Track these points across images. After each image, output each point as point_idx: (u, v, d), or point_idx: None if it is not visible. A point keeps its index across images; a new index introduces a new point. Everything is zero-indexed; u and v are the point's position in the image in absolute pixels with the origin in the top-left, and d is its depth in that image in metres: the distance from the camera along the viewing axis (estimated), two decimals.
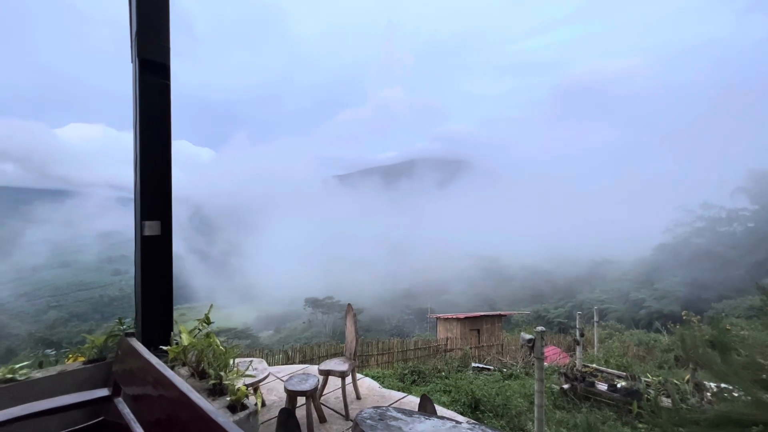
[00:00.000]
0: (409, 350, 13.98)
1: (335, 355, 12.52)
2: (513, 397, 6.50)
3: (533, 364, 10.07)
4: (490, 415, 5.80)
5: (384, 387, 4.69)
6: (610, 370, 7.27)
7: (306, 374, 3.61)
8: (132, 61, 2.18)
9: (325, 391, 4.12)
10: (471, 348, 14.26)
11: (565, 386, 6.71)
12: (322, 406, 3.73)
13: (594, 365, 7.63)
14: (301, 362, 12.18)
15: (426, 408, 2.90)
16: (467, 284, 62.91)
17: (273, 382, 4.62)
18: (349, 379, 3.97)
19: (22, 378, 1.91)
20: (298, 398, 3.49)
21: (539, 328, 4.25)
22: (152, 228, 2.12)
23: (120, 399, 1.57)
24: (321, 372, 3.81)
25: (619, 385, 6.19)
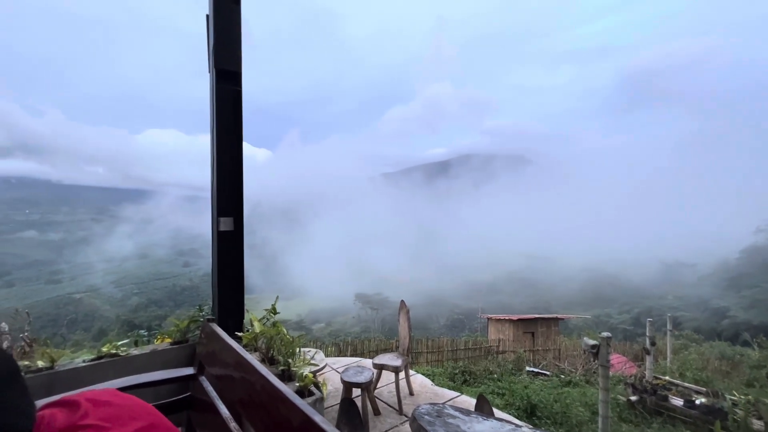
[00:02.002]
0: (460, 350, 13.77)
1: (385, 350, 12.70)
2: (573, 405, 6.15)
3: (595, 372, 9.42)
4: (548, 422, 5.54)
5: (436, 385, 4.68)
6: (686, 384, 6.59)
7: (361, 367, 3.71)
8: (209, 71, 2.40)
9: (378, 385, 4.20)
10: (525, 351, 13.69)
11: (633, 398, 6.20)
12: (376, 399, 3.82)
13: (667, 378, 6.96)
14: (352, 355, 12.52)
15: (483, 409, 2.85)
16: (520, 284, 60.35)
17: (329, 372, 4.81)
18: (402, 375, 4.02)
19: (124, 354, 2.21)
20: (353, 390, 3.61)
21: (605, 334, 3.98)
22: (226, 224, 2.32)
23: (204, 377, 1.74)
24: (375, 366, 3.89)
25: (698, 402, 5.59)
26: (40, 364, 2.05)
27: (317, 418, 0.98)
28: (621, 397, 6.39)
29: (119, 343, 2.25)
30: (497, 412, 3.97)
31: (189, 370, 1.84)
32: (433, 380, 6.50)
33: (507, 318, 17.99)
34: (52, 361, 2.08)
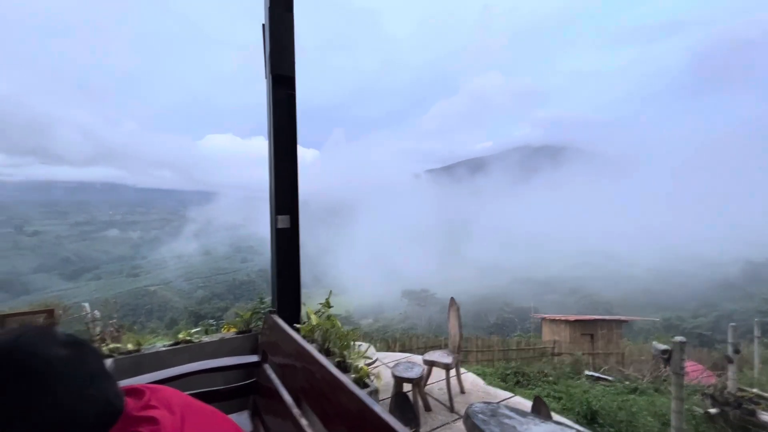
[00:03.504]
0: (511, 350, 13.31)
1: (433, 347, 12.63)
2: (640, 414, 5.69)
3: (665, 380, 8.63)
4: (612, 430, 5.18)
5: (488, 384, 4.58)
6: None
7: (411, 363, 3.73)
8: (265, 77, 2.55)
9: (428, 381, 4.20)
10: (583, 354, 12.89)
11: (713, 411, 5.59)
12: (427, 396, 3.82)
13: (755, 390, 6.19)
14: (400, 351, 12.62)
15: (540, 411, 2.75)
16: (577, 284, 56.78)
17: (379, 366, 4.89)
18: (453, 372, 3.98)
19: (196, 341, 2.43)
20: (404, 385, 3.65)
21: (678, 338, 3.63)
22: (284, 221, 2.46)
23: (267, 365, 1.87)
24: (425, 362, 3.90)
25: None
26: (129, 347, 2.33)
27: (376, 407, 1.01)
28: (697, 409, 5.80)
29: (192, 331, 2.49)
30: (556, 417, 3.80)
31: (254, 358, 1.98)
32: (484, 380, 6.36)
33: (563, 318, 17.04)
34: (138, 344, 2.35)
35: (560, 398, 6.68)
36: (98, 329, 2.92)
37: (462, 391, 4.11)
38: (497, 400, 3.98)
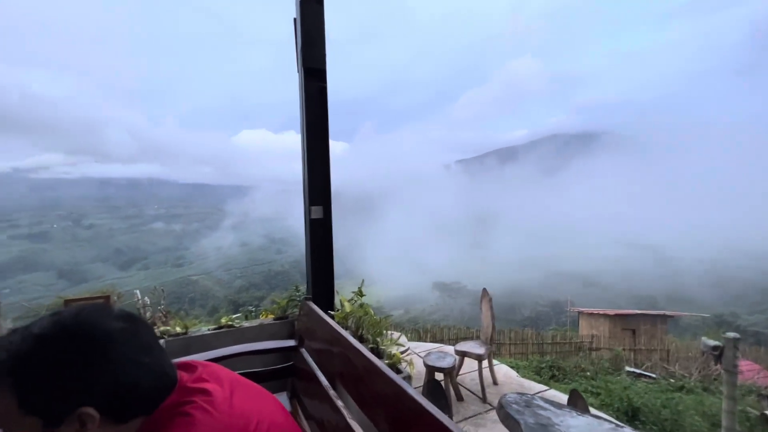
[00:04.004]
0: (546, 343, 12.97)
1: (465, 338, 12.53)
2: (686, 413, 5.39)
3: (716, 379, 8.10)
4: (655, 428, 4.96)
5: (521, 377, 4.51)
6: None
7: (443, 353, 3.74)
8: (297, 71, 2.60)
9: (460, 372, 4.20)
10: (624, 350, 12.33)
11: None
12: (459, 386, 3.82)
13: None
14: (431, 342, 12.64)
15: (577, 405, 2.68)
16: (618, 276, 54.10)
17: (410, 356, 4.94)
18: (485, 363, 3.95)
19: (237, 325, 2.57)
20: (436, 374, 3.67)
21: (731, 334, 3.39)
22: (317, 212, 2.52)
23: (304, 350, 1.94)
24: (457, 352, 3.89)
25: None
26: (177, 330, 2.50)
27: (412, 391, 1.03)
28: (752, 410, 5.42)
29: (234, 316, 2.64)
30: (594, 411, 3.68)
31: (291, 342, 2.07)
32: (517, 372, 6.26)
33: (602, 312, 16.36)
34: (186, 328, 2.52)
35: (598, 394, 6.46)
36: (149, 314, 3.16)
37: (495, 383, 4.07)
38: (531, 393, 3.92)
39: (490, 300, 4.03)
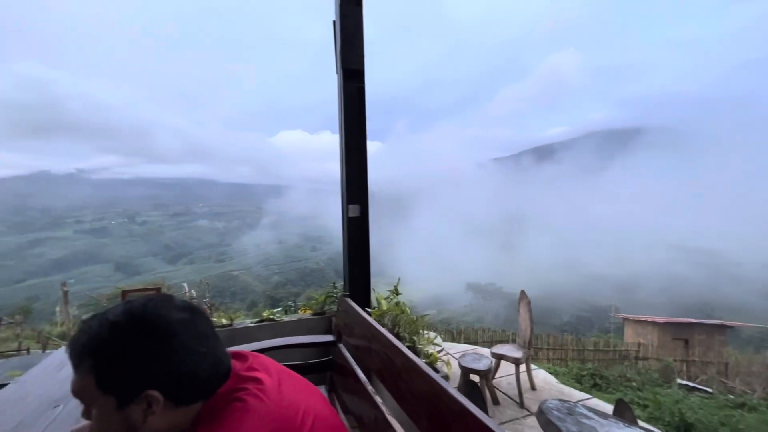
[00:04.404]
0: (587, 350, 12.37)
1: (500, 341, 12.23)
2: None
3: None
4: None
5: (561, 383, 4.33)
6: None
7: (478, 354, 3.67)
8: (336, 72, 2.66)
9: (496, 375, 4.10)
10: (675, 361, 11.50)
11: None
12: (495, 389, 3.74)
13: None
14: (465, 343, 12.44)
15: (623, 415, 2.54)
16: (667, 283, 50.46)
17: (445, 357, 4.89)
18: (522, 368, 3.84)
19: (278, 320, 2.68)
20: (471, 376, 3.61)
21: None
22: (354, 210, 2.57)
23: (342, 345, 1.99)
24: (494, 355, 3.80)
25: None
26: (223, 321, 2.64)
27: (451, 390, 1.03)
28: None
29: (275, 311, 2.75)
30: (641, 424, 3.47)
31: (329, 337, 2.13)
32: (556, 378, 6.03)
33: (650, 320, 15.36)
34: (231, 320, 2.66)
35: (646, 406, 6.09)
36: None
37: (533, 388, 3.94)
38: (573, 400, 3.76)
39: (529, 303, 3.91)
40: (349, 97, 2.52)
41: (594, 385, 8.06)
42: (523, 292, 4.01)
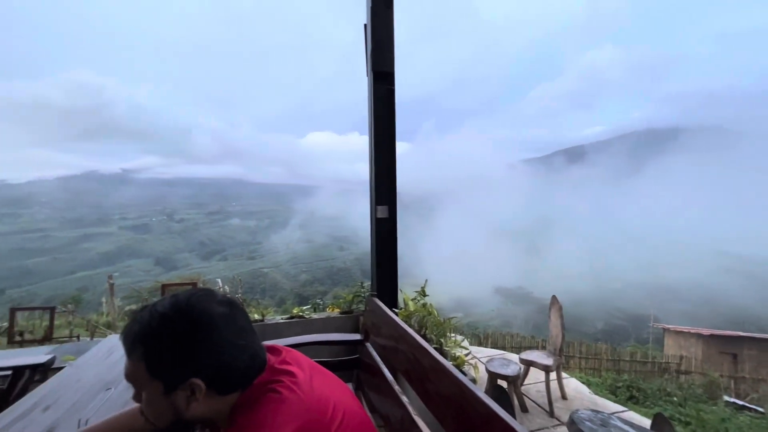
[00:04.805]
0: (623, 361, 11.79)
1: (529, 347, 11.88)
2: None
3: None
4: None
5: (594, 394, 4.16)
6: None
7: (506, 360, 3.60)
8: (366, 75, 2.70)
9: (525, 382, 4.00)
10: (722, 376, 10.73)
11: None
12: (523, 396, 3.65)
13: None
14: (491, 348, 12.18)
15: (662, 430, 2.42)
16: (713, 293, 47.15)
17: (471, 360, 4.82)
18: (553, 375, 3.72)
19: (307, 317, 2.75)
20: (498, 381, 3.54)
21: None
22: (382, 211, 2.59)
23: (369, 344, 2.01)
24: (522, 361, 3.72)
25: None
26: (255, 317, 2.74)
27: (480, 393, 1.02)
28: None
29: (304, 308, 2.82)
30: None
31: (357, 336, 2.16)
32: (589, 388, 5.79)
33: (694, 331, 14.44)
34: (263, 315, 2.75)
35: (688, 423, 5.74)
36: None
37: (563, 397, 3.82)
38: (607, 412, 3.61)
39: (560, 308, 3.79)
40: (379, 99, 2.55)
41: (630, 397, 7.68)
42: (554, 297, 3.90)
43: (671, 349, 15.09)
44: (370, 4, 2.51)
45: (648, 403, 7.41)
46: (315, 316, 2.79)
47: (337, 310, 2.91)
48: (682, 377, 11.23)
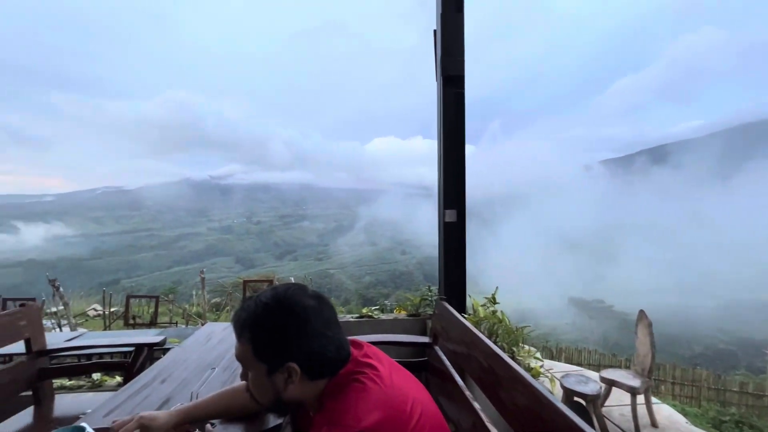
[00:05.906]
0: (730, 391, 10.14)
1: (609, 366, 10.77)
2: None
3: None
4: None
5: (692, 425, 3.65)
6: None
7: (584, 377, 3.33)
8: (436, 79, 2.73)
9: (605, 403, 3.66)
10: None
11: None
12: (605, 419, 3.34)
13: None
14: (565, 362, 11.28)
15: None
16: None
17: (551, 372, 4.53)
18: (640, 399, 3.35)
19: (375, 317, 2.84)
20: (575, 400, 3.28)
21: None
22: (451, 215, 2.59)
23: (438, 347, 2.02)
24: (603, 380, 3.41)
25: None
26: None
27: (561, 406, 0.98)
28: None
29: (372, 308, 2.92)
30: None
31: (425, 339, 2.18)
32: (685, 418, 5.09)
33: None
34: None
35: None
36: None
37: (653, 424, 3.42)
38: None
39: (650, 325, 3.41)
40: (448, 103, 2.55)
41: None
42: (642, 312, 3.52)
43: None
44: (440, 10, 2.53)
45: None
46: (383, 317, 2.87)
47: (404, 312, 2.96)
48: None
